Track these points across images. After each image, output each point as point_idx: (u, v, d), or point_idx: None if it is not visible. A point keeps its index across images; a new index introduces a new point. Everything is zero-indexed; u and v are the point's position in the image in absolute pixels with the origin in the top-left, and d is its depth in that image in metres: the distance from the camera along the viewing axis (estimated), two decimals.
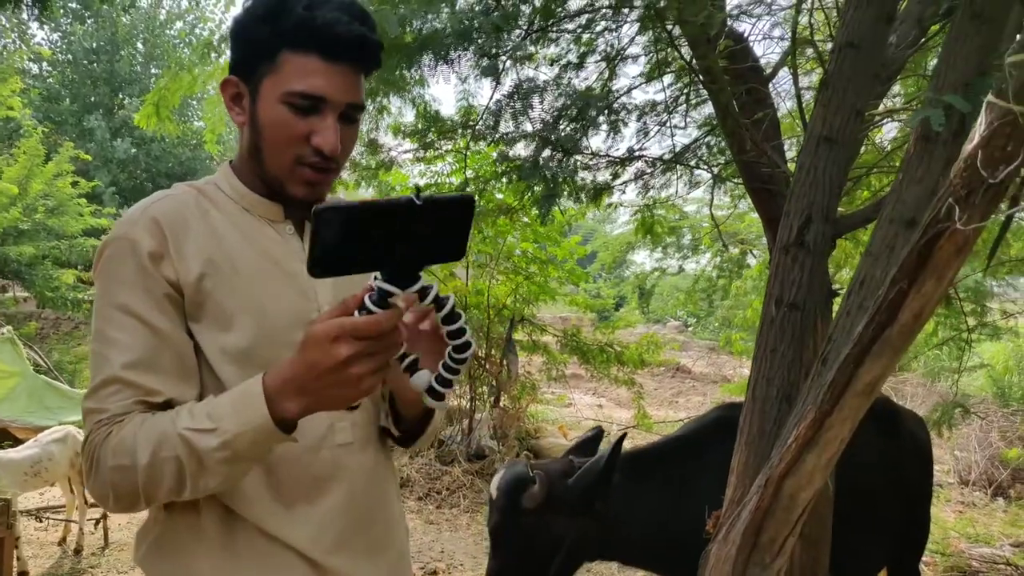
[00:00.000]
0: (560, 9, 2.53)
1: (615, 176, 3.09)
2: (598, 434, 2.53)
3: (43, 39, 17.22)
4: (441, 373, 0.89)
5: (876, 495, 2.60)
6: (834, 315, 2.46)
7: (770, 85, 2.67)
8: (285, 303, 1.04)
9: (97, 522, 4.43)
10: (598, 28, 2.78)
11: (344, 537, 1.05)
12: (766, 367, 1.82)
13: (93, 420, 0.94)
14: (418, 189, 0.74)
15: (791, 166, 2.63)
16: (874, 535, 2.64)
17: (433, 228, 0.74)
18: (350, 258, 0.73)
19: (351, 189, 4.58)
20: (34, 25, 16.37)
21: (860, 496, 2.43)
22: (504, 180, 3.17)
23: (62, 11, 15.78)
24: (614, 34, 2.93)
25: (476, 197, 0.73)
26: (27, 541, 4.41)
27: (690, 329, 18.50)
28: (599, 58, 2.88)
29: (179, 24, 17.85)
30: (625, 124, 2.94)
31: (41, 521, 4.49)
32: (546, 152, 2.54)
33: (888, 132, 4.03)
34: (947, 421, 4.75)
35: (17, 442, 4.91)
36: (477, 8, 2.27)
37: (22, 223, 9.83)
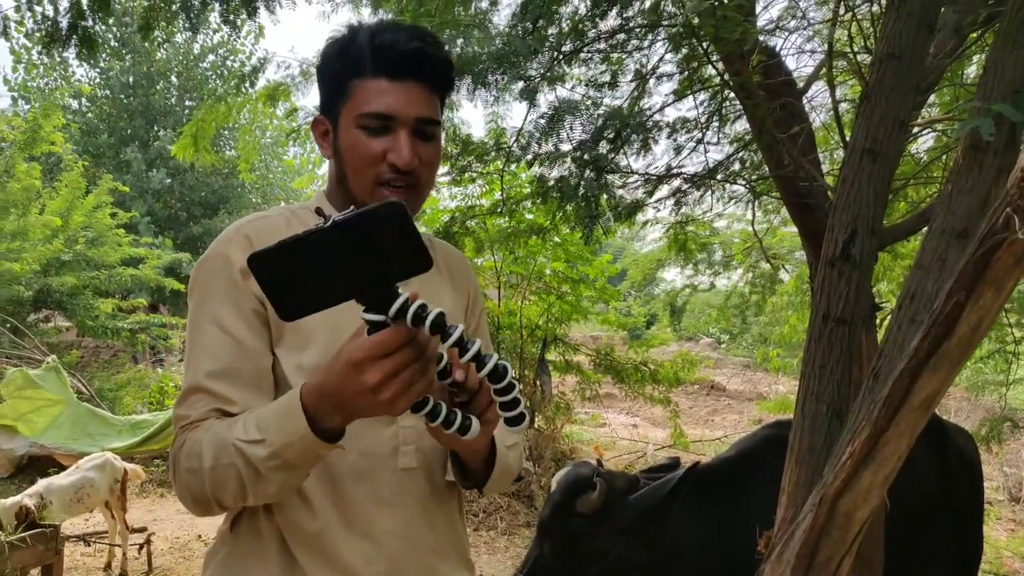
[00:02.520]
0: (592, 29, 2.55)
1: (650, 193, 3.09)
2: (673, 464, 2.50)
3: (83, 76, 17.77)
4: (495, 398, 0.85)
5: (926, 513, 2.53)
6: (877, 329, 2.43)
7: (803, 98, 2.66)
8: (359, 321, 1.06)
9: (141, 547, 4.48)
10: (629, 47, 2.80)
11: (399, 563, 1.05)
12: (815, 383, 1.79)
13: (178, 426, 0.99)
14: (319, 212, 0.74)
15: (828, 179, 2.61)
16: (926, 554, 2.57)
17: (375, 244, 0.72)
18: (306, 295, 0.73)
19: None
20: (74, 63, 16.90)
21: (910, 514, 2.37)
22: (538, 200, 3.19)
23: (102, 49, 16.26)
24: (644, 52, 2.95)
25: (403, 204, 0.71)
26: (73, 566, 4.47)
27: (723, 346, 18.30)
28: (631, 77, 2.89)
29: (211, 57, 18.29)
30: (656, 142, 2.95)
31: (89, 545, 4.55)
32: (587, 173, 2.55)
33: (924, 142, 3.98)
34: (996, 436, 4.63)
35: (61, 468, 5.01)
36: (512, 32, 2.30)
37: (64, 254, 10.08)
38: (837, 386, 1.77)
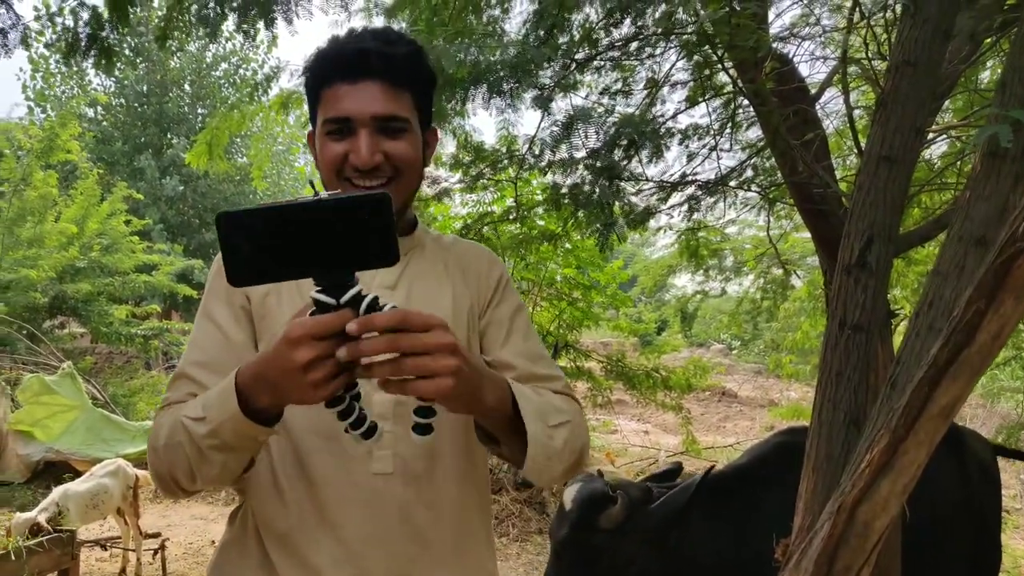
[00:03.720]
0: (606, 38, 2.56)
1: (663, 200, 3.08)
2: (676, 468, 2.49)
3: (99, 84, 17.94)
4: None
5: (944, 521, 2.51)
6: (893, 336, 2.42)
7: (817, 105, 2.66)
8: None
9: (155, 553, 4.50)
10: (643, 55, 2.80)
11: (368, 568, 1.03)
12: (831, 391, 1.78)
13: (160, 407, 1.04)
14: (312, 185, 0.73)
15: (841, 186, 2.60)
16: (943, 562, 2.55)
17: (350, 230, 0.72)
18: (267, 264, 0.72)
19: None
20: (91, 72, 17.07)
21: (928, 522, 2.35)
22: (551, 207, 3.19)
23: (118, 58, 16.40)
24: (656, 60, 2.95)
25: (389, 198, 0.69)
26: (89, 571, 4.50)
27: (734, 352, 18.22)
28: (644, 84, 2.89)
29: (224, 66, 18.43)
30: (668, 148, 2.95)
31: (106, 549, 4.58)
32: (600, 180, 2.55)
33: (937, 148, 3.96)
34: (1012, 444, 4.60)
35: (77, 473, 5.04)
36: (526, 41, 2.31)
37: (79, 261, 10.16)
38: (854, 393, 1.77)
